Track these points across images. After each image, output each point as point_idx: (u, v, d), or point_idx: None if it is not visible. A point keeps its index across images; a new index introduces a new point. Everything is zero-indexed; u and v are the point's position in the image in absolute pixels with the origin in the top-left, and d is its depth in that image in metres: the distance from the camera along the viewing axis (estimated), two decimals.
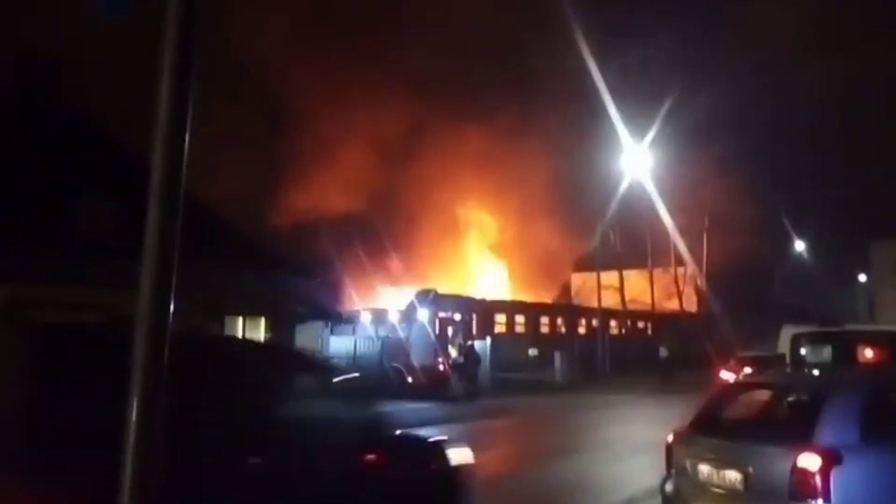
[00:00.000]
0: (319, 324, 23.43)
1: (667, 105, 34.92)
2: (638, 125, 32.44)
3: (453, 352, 23.09)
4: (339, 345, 23.68)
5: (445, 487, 5.69)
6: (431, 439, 6.46)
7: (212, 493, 4.04)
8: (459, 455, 5.96)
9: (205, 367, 4.36)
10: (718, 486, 5.91)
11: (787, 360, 12.67)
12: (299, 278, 22.86)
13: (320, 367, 6.61)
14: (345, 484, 4.96)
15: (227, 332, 19.67)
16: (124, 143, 21.13)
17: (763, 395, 7.30)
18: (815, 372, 11.77)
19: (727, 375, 18.40)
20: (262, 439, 4.55)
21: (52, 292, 13.40)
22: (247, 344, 6.76)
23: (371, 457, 5.21)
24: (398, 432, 5.90)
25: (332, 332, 24.00)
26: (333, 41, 50.18)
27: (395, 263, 36.95)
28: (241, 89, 40.34)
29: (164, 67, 1.98)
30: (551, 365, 27.37)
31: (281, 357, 6.02)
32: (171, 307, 1.91)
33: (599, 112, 32.28)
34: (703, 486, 6.06)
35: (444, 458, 5.83)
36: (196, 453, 3.90)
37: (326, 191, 40.69)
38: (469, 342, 23.24)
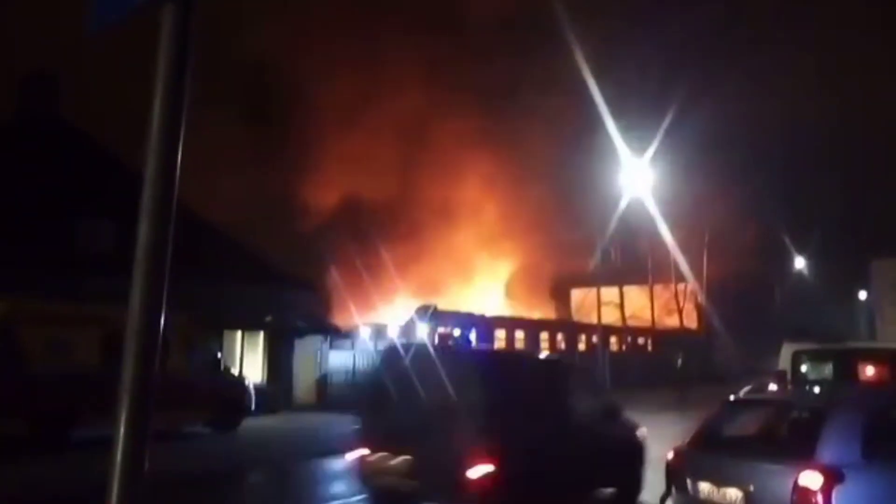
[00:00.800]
0: (318, 338, 23.32)
1: (667, 120, 35.04)
2: (638, 139, 32.51)
3: None
4: (337, 359, 23.55)
5: (639, 449, 9.60)
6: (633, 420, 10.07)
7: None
8: (643, 431, 9.86)
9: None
10: None
11: (788, 376, 12.60)
12: (298, 292, 22.82)
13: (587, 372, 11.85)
14: (600, 440, 8.67)
15: (225, 346, 19.63)
16: (122, 159, 21.21)
17: (764, 412, 7.25)
18: (816, 389, 11.70)
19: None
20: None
21: (47, 307, 13.38)
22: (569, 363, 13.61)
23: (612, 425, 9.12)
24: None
25: (330, 347, 23.88)
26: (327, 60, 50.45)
27: (395, 278, 36.88)
28: (236, 97, 40.41)
29: (158, 79, 1.96)
30: None
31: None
32: (162, 323, 1.88)
33: (599, 126, 32.37)
34: None
35: (636, 432, 9.82)
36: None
37: (325, 205, 40.79)
38: None
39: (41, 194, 17.52)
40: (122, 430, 1.77)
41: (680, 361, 30.23)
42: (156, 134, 1.92)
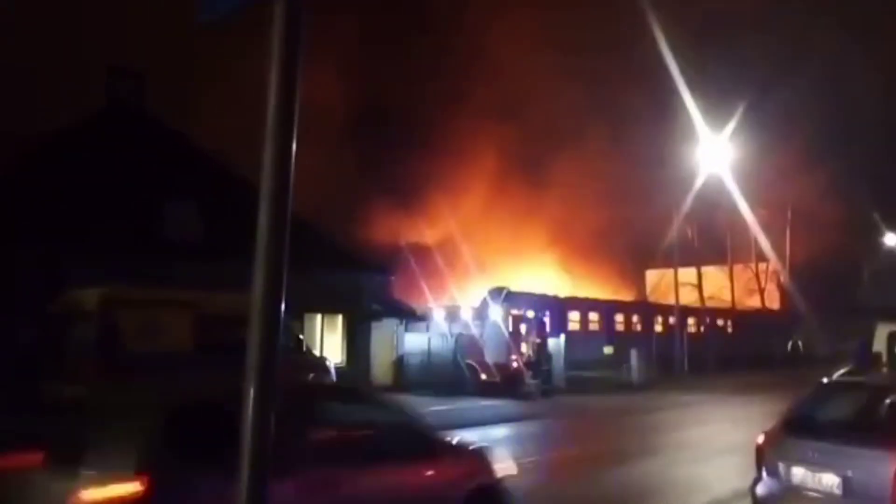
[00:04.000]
0: (394, 321, 23.68)
1: (748, 96, 33.80)
2: (718, 117, 31.50)
3: (526, 349, 22.96)
4: (413, 342, 23.90)
5: None
6: None
7: None
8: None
9: None
10: (814, 490, 5.70)
11: (884, 358, 12.06)
12: (375, 276, 23.21)
13: None
14: None
15: (306, 329, 20.17)
16: (206, 150, 21.96)
17: (859, 395, 6.97)
18: None
19: None
20: None
21: (141, 292, 14.07)
22: None
23: None
24: None
25: (406, 330, 24.24)
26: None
27: (467, 259, 37.04)
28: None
29: (271, 72, 2.03)
30: (627, 363, 26.90)
31: None
32: (283, 307, 1.97)
33: (678, 103, 31.49)
34: (797, 490, 5.86)
35: None
36: None
37: (403, 190, 41.17)
38: (539, 339, 23.03)
39: (131, 185, 18.34)
40: (250, 405, 1.87)
41: (791, 345, 28.06)
42: (271, 126, 2.00)
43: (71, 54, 31.72)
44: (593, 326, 36.67)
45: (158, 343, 13.64)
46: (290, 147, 2.02)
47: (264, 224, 1.95)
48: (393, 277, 24.48)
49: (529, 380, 21.76)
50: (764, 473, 6.24)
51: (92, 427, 5.12)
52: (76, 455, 4.63)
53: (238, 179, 19.59)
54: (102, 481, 4.30)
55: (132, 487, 4.23)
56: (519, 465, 11.49)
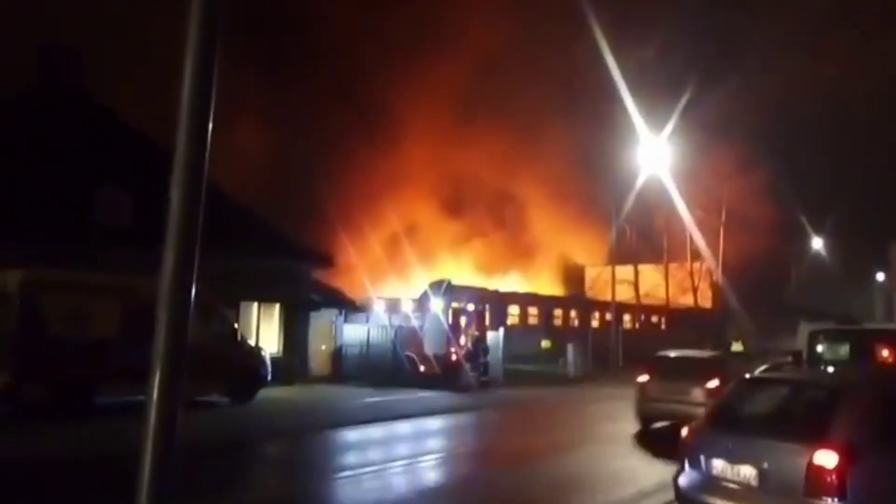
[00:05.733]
0: (333, 311, 23.45)
1: (685, 100, 34.64)
2: (656, 119, 32.18)
3: (466, 342, 23.04)
4: (352, 333, 23.71)
5: None
6: None
7: None
8: None
9: None
10: (732, 482, 5.88)
11: (804, 356, 12.58)
12: (314, 265, 22.91)
13: None
14: None
15: (241, 318, 19.78)
16: (140, 131, 21.26)
17: (779, 391, 7.23)
18: (831, 369, 11.69)
19: None
20: None
21: (64, 276, 13.55)
22: None
23: None
24: None
25: (345, 320, 24.02)
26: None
27: (409, 253, 36.96)
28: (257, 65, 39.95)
29: (188, 48, 1.96)
30: (564, 357, 27.31)
31: None
32: (193, 293, 1.91)
33: (617, 105, 32.04)
34: (717, 481, 6.03)
35: None
36: None
37: (344, 178, 40.77)
38: (478, 332, 23.14)
39: (60, 164, 17.64)
40: (154, 396, 1.80)
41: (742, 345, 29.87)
42: (187, 105, 1.92)
43: (3, 30, 30.28)
44: (532, 320, 37.15)
45: (85, 330, 13.20)
46: (206, 130, 1.96)
47: (176, 210, 1.89)
48: (333, 267, 24.22)
49: (468, 372, 21.86)
50: (686, 465, 6.41)
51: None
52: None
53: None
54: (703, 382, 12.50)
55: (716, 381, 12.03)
56: (452, 456, 11.60)
